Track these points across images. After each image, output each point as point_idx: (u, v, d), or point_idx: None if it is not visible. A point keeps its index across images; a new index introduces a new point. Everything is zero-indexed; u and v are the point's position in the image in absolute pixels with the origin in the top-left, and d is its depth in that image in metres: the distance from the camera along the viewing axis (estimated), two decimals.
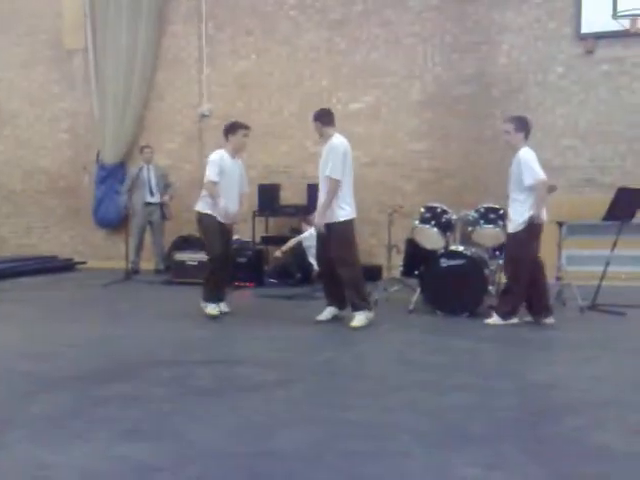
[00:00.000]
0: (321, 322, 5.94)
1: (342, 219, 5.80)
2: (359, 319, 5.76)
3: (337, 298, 6.04)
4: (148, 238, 9.97)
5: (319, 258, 6.25)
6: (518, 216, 5.75)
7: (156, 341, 5.23)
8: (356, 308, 5.82)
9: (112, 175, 10.84)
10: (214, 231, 6.26)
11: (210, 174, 6.19)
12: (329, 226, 5.80)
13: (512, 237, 5.83)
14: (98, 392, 3.82)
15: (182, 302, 7.08)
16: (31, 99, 11.44)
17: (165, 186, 9.86)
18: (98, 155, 10.91)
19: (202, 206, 6.30)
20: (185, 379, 4.12)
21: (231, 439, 3.09)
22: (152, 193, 9.74)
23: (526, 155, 5.72)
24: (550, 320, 5.90)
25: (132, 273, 9.07)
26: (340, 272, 5.81)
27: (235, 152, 6.40)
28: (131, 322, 6.08)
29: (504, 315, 5.83)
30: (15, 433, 3.14)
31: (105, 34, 10.79)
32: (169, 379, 4.12)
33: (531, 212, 5.70)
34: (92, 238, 11.29)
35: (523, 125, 5.86)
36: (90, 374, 4.22)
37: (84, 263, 10.63)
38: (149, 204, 9.72)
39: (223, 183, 6.23)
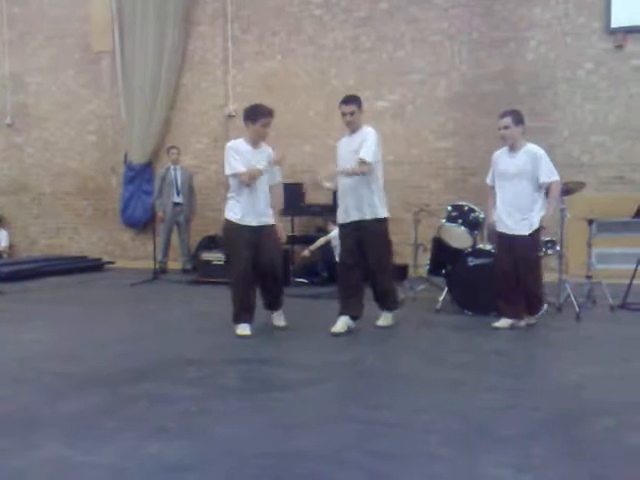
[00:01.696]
0: (339, 335, 5.39)
1: None
2: (387, 318, 5.73)
3: (357, 306, 5.55)
4: (175, 238, 10.07)
5: (355, 262, 5.50)
6: (532, 216, 5.51)
7: (184, 341, 5.26)
8: (389, 308, 5.74)
9: (140, 175, 10.96)
10: (234, 240, 5.37)
11: (225, 167, 5.41)
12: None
13: (529, 239, 5.53)
14: (127, 391, 3.85)
15: (209, 302, 7.12)
16: (59, 102, 11.60)
17: (190, 189, 9.96)
18: (126, 156, 11.03)
19: (226, 210, 5.50)
20: (213, 378, 4.14)
21: (258, 438, 3.10)
22: (179, 193, 9.83)
23: (543, 152, 5.53)
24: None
25: (160, 273, 9.15)
26: (382, 276, 5.59)
27: (255, 142, 5.43)
28: (159, 322, 6.12)
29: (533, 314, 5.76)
30: (44, 433, 3.17)
31: (132, 36, 10.90)
32: (197, 378, 4.14)
33: (542, 212, 5.52)
34: (120, 238, 11.43)
35: (521, 118, 5.60)
36: (118, 374, 4.25)
37: (113, 263, 10.76)
38: (176, 204, 9.81)
39: (240, 182, 5.37)
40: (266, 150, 5.50)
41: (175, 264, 10.03)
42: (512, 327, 5.61)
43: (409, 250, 7.80)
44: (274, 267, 5.50)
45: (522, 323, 5.68)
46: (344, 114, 5.47)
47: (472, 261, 6.25)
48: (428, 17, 9.47)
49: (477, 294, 6.16)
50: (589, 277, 6.64)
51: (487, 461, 2.80)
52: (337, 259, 8.38)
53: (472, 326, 5.81)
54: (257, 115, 5.36)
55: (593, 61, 8.79)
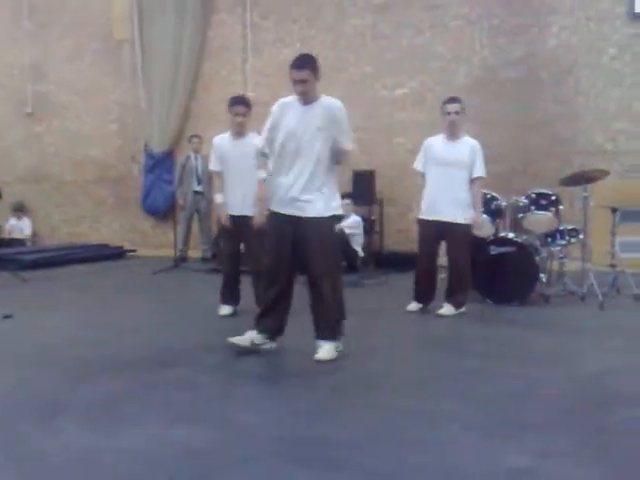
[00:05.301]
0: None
1: None
2: (329, 350, 4.22)
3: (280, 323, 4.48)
4: (195, 226, 10.11)
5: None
6: (467, 205, 5.62)
7: (205, 328, 5.29)
8: (334, 336, 4.25)
9: (160, 164, 11.01)
10: (223, 226, 5.70)
11: (209, 162, 5.77)
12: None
13: (464, 227, 5.64)
14: (149, 378, 3.88)
15: None
16: (80, 91, 11.66)
17: (210, 178, 9.96)
18: (146, 145, 11.07)
19: None
20: (233, 365, 4.16)
21: (278, 424, 3.11)
22: (199, 182, 9.86)
23: (480, 146, 5.64)
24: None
25: (180, 261, 9.20)
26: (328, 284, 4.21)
27: (236, 133, 5.53)
28: (180, 309, 6.16)
29: (459, 305, 5.72)
30: (67, 418, 3.20)
31: (152, 25, 10.92)
32: (218, 365, 4.16)
33: (471, 211, 5.65)
34: (141, 226, 11.50)
35: (465, 108, 5.68)
36: (141, 360, 4.29)
37: (134, 251, 10.83)
38: (197, 193, 9.84)
39: (225, 173, 5.55)
40: (253, 141, 5.14)
41: (195, 252, 10.08)
42: (423, 311, 5.78)
43: None
44: (251, 264, 5.38)
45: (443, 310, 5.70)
46: (295, 81, 4.36)
47: (494, 250, 6.20)
48: (448, 3, 9.36)
49: (499, 283, 6.12)
50: (613, 266, 6.55)
51: (508, 448, 2.79)
52: (355, 247, 8.40)
53: (494, 315, 5.78)
54: (231, 103, 5.53)
55: (616, 46, 8.65)
